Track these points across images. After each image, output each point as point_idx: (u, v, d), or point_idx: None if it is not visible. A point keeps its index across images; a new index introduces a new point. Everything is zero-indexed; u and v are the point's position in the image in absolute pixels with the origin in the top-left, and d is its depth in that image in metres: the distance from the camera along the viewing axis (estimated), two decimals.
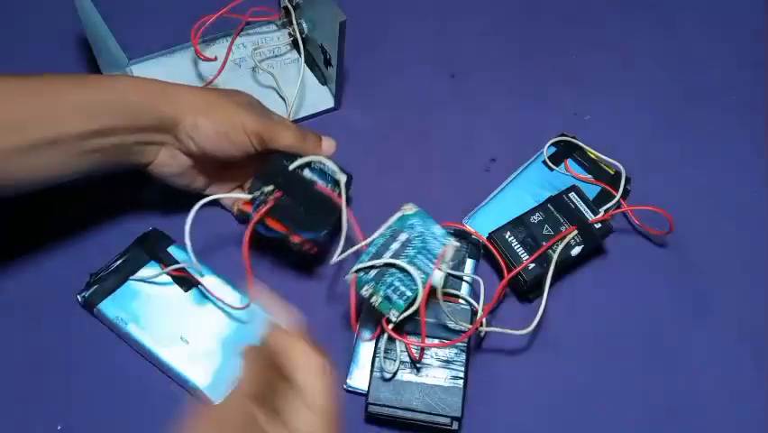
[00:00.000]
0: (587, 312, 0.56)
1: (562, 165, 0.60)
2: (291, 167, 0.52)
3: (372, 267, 0.48)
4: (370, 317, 0.51)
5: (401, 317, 0.47)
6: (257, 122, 0.50)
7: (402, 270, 0.48)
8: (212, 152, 0.50)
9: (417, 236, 0.49)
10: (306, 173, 0.52)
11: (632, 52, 0.72)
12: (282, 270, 0.56)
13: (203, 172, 0.54)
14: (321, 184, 0.52)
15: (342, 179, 0.52)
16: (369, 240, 0.49)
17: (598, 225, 0.54)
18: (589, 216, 0.54)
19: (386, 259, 0.48)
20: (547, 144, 0.61)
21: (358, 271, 0.47)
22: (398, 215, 0.50)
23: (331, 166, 0.52)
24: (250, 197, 0.50)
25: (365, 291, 0.47)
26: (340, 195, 0.52)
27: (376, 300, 0.47)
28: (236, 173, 0.56)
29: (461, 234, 0.55)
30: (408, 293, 0.47)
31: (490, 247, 0.54)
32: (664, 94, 0.69)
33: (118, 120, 0.47)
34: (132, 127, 0.47)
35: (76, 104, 0.46)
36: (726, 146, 0.66)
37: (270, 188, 0.50)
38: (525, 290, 0.54)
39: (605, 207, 0.56)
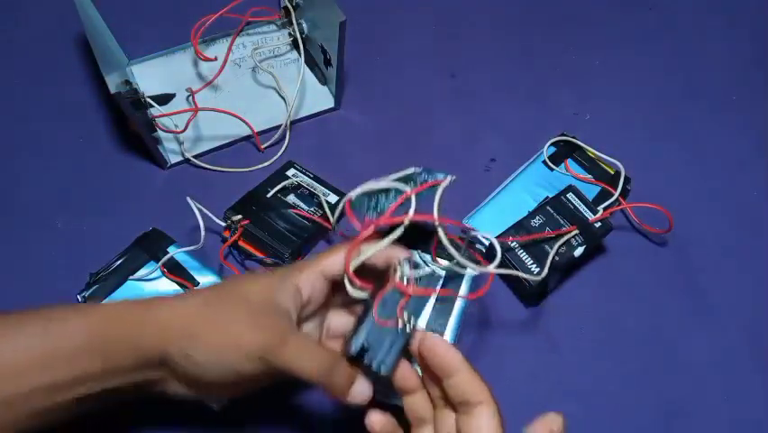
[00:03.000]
0: (587, 312, 0.56)
1: (562, 165, 0.60)
2: (270, 193, 0.56)
3: (372, 192, 0.43)
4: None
5: (384, 219, 0.41)
6: (255, 337, 0.38)
7: (399, 191, 0.42)
8: (219, 381, 0.39)
9: (422, 181, 0.44)
10: (290, 198, 0.56)
11: (632, 52, 0.72)
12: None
13: (229, 390, 0.42)
14: (301, 208, 0.55)
15: None
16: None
17: (598, 225, 0.54)
18: (589, 215, 0.54)
19: (383, 183, 0.43)
20: (547, 144, 0.61)
21: (358, 195, 0.43)
22: (403, 172, 0.45)
23: None
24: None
25: (355, 200, 0.42)
26: (321, 216, 0.55)
27: (365, 208, 0.42)
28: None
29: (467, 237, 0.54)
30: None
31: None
32: (664, 94, 0.69)
33: (79, 368, 0.37)
34: (108, 372, 0.37)
35: (21, 352, 0.36)
36: (726, 146, 0.66)
37: (239, 217, 0.53)
38: (531, 295, 0.54)
39: (604, 206, 0.56)
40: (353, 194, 0.42)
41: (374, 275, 0.41)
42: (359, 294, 0.40)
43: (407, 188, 0.42)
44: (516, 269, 0.52)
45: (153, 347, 0.37)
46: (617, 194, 0.58)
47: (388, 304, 0.40)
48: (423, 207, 0.41)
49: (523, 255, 0.53)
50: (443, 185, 0.43)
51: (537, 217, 0.54)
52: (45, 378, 0.36)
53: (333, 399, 0.39)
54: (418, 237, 0.41)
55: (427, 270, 0.42)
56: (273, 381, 0.41)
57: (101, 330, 0.37)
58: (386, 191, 0.44)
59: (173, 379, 0.40)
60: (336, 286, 0.43)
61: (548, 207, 0.55)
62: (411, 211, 0.40)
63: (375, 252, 0.40)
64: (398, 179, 0.45)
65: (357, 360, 0.39)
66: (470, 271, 0.45)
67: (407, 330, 0.40)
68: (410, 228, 0.40)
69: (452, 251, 0.42)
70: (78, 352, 0.37)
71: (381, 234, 0.41)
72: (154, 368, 0.38)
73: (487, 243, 0.55)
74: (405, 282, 0.40)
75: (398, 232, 0.40)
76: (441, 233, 0.41)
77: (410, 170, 0.45)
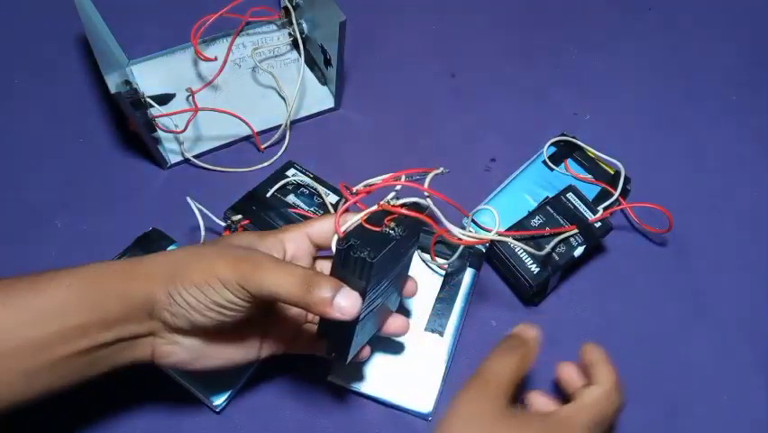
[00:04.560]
0: (587, 312, 0.56)
1: (562, 165, 0.60)
2: (270, 193, 0.55)
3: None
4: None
5: (376, 186, 0.43)
6: (231, 266, 0.38)
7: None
8: (205, 325, 0.39)
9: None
10: (290, 198, 0.56)
11: (632, 52, 0.72)
12: None
13: (230, 343, 0.42)
14: (302, 208, 0.55)
15: None
16: None
17: (598, 224, 0.54)
18: (589, 215, 0.54)
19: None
20: (547, 144, 0.61)
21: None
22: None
23: None
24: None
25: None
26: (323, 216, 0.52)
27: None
28: (280, 322, 0.44)
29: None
30: None
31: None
32: (664, 94, 0.69)
33: (67, 321, 0.37)
34: (96, 323, 0.38)
35: (8, 309, 0.37)
36: (726, 146, 0.66)
37: (239, 217, 0.53)
38: (531, 295, 0.54)
39: (604, 205, 0.56)
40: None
41: None
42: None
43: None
44: (517, 269, 0.52)
45: (139, 294, 0.38)
46: (616, 194, 0.58)
47: (373, 219, 0.40)
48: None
49: (522, 254, 0.53)
50: (435, 171, 0.44)
51: (537, 217, 0.54)
52: (33, 332, 0.36)
53: (318, 314, 0.38)
54: (413, 223, 0.42)
55: (412, 198, 0.42)
56: (258, 312, 0.41)
57: (88, 283, 0.38)
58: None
59: (164, 330, 0.40)
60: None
61: (548, 207, 0.55)
62: (402, 178, 0.41)
63: (362, 216, 0.40)
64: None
65: (345, 258, 0.38)
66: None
67: (393, 234, 0.40)
68: (404, 217, 0.41)
69: (447, 224, 0.43)
70: (65, 306, 0.37)
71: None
72: (143, 319, 0.39)
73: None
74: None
75: (386, 199, 0.41)
76: (431, 204, 0.42)
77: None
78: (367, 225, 0.40)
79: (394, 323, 0.46)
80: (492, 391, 0.39)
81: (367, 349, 0.45)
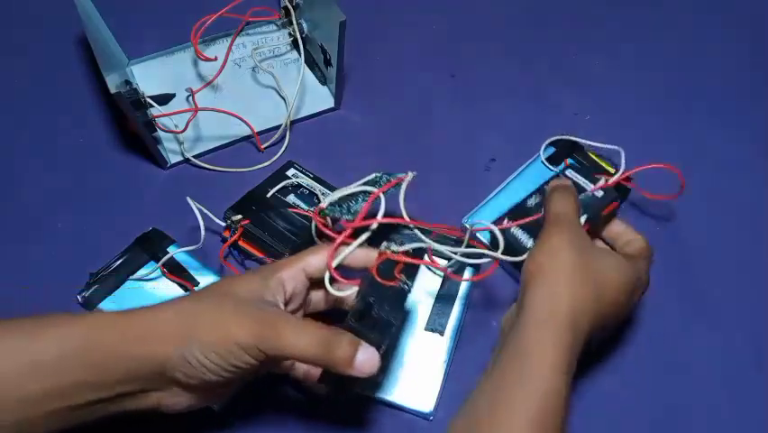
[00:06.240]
0: None
1: (562, 165, 0.60)
2: (270, 193, 0.56)
3: (342, 199, 0.47)
4: None
5: (358, 221, 0.43)
6: (250, 330, 0.37)
7: (367, 193, 0.46)
8: (217, 381, 0.38)
9: (385, 181, 0.48)
10: (290, 198, 0.56)
11: (632, 52, 0.72)
12: None
13: (231, 384, 0.41)
14: (302, 208, 0.55)
15: None
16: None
17: (600, 193, 0.51)
18: (589, 186, 0.53)
19: (352, 188, 0.47)
20: (546, 144, 0.61)
21: (328, 205, 0.46)
22: (367, 178, 0.49)
23: None
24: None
25: (329, 213, 0.45)
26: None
27: (337, 213, 0.45)
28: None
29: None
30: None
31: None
32: (664, 94, 0.69)
33: (68, 377, 0.35)
34: (100, 383, 0.36)
35: (10, 362, 0.35)
36: (726, 146, 0.66)
37: (239, 217, 0.53)
38: None
39: (612, 179, 0.53)
40: (324, 204, 0.46)
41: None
42: (338, 293, 0.42)
43: (374, 189, 0.45)
44: (517, 252, 0.51)
45: (148, 357, 0.37)
46: (621, 171, 0.54)
47: (383, 271, 0.41)
48: (391, 205, 0.44)
49: (518, 233, 0.52)
50: (407, 180, 0.46)
51: (534, 197, 0.54)
52: (29, 385, 0.35)
53: (338, 372, 0.38)
54: (391, 228, 0.45)
55: (414, 244, 0.43)
56: (271, 369, 0.43)
57: (87, 342, 0.36)
58: (354, 195, 0.47)
59: (173, 386, 0.39)
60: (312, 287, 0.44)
61: (545, 186, 0.53)
62: (381, 212, 0.43)
63: (352, 250, 0.42)
64: (364, 183, 0.48)
65: (362, 318, 0.39)
66: (480, 260, 0.47)
67: (407, 288, 0.42)
68: (382, 225, 0.43)
69: (420, 235, 0.45)
70: (62, 362, 0.36)
71: (357, 234, 0.43)
72: (150, 378, 0.38)
73: (487, 234, 0.55)
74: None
75: (368, 232, 0.43)
76: (432, 244, 0.45)
77: (372, 175, 0.49)
78: (380, 279, 0.41)
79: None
80: (571, 225, 0.45)
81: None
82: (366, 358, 0.38)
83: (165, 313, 0.38)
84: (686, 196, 0.61)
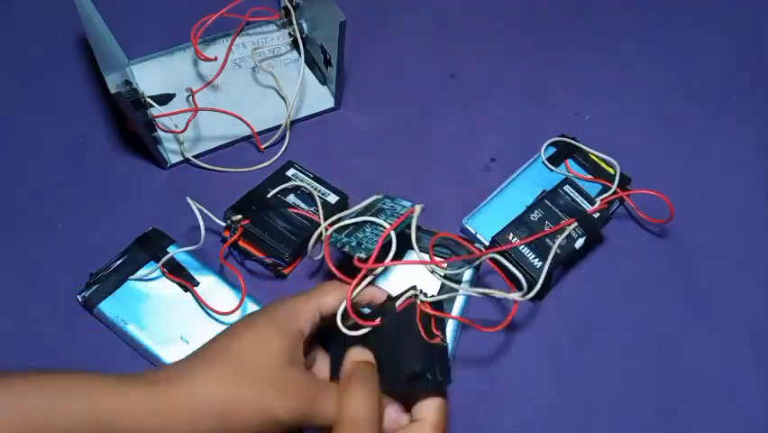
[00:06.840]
0: (587, 308, 0.55)
1: (563, 165, 0.60)
2: (270, 193, 0.56)
3: (347, 227, 0.48)
4: None
5: (372, 260, 0.44)
6: (291, 408, 0.38)
7: (374, 224, 0.47)
8: None
9: (388, 208, 0.50)
10: (290, 198, 0.56)
11: (632, 53, 0.72)
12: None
13: None
14: (302, 208, 0.55)
15: None
16: (343, 213, 0.50)
17: (596, 215, 0.55)
18: (587, 206, 0.55)
19: (359, 218, 0.48)
20: (546, 144, 0.61)
21: (334, 232, 0.47)
22: (368, 201, 0.51)
23: None
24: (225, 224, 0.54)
25: (339, 244, 0.46)
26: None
27: (347, 247, 0.45)
28: None
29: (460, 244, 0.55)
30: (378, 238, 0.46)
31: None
32: (664, 94, 0.69)
33: None
34: None
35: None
36: (726, 146, 0.66)
37: (239, 217, 0.53)
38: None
39: (602, 197, 0.56)
40: (331, 230, 0.47)
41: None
42: (352, 332, 0.43)
43: (386, 225, 0.47)
44: (519, 264, 0.52)
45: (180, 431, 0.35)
46: (614, 187, 0.57)
47: (410, 317, 0.43)
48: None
49: (525, 251, 0.53)
50: (416, 214, 0.48)
51: (536, 212, 0.55)
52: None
53: None
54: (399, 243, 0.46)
55: (442, 296, 0.44)
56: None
57: (121, 413, 0.34)
58: (360, 226, 0.48)
59: None
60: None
61: (546, 201, 0.55)
62: (392, 251, 0.45)
63: (363, 287, 0.44)
64: (365, 208, 0.49)
65: (411, 382, 0.41)
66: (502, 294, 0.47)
67: (445, 343, 0.44)
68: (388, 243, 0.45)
69: (436, 274, 0.47)
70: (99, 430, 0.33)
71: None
72: None
73: (487, 233, 0.55)
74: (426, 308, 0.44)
75: (379, 270, 0.44)
76: (421, 257, 0.47)
77: (372, 198, 0.50)
78: (428, 339, 0.42)
79: None
80: None
81: None
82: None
83: (198, 385, 0.37)
84: (686, 195, 0.62)
